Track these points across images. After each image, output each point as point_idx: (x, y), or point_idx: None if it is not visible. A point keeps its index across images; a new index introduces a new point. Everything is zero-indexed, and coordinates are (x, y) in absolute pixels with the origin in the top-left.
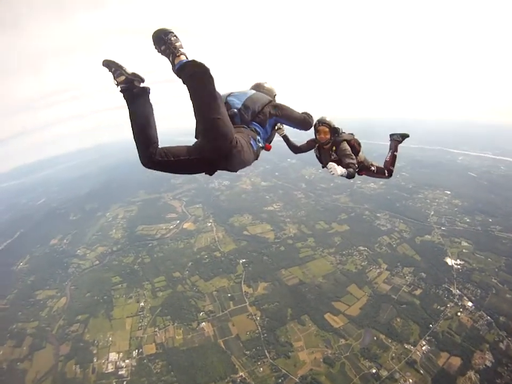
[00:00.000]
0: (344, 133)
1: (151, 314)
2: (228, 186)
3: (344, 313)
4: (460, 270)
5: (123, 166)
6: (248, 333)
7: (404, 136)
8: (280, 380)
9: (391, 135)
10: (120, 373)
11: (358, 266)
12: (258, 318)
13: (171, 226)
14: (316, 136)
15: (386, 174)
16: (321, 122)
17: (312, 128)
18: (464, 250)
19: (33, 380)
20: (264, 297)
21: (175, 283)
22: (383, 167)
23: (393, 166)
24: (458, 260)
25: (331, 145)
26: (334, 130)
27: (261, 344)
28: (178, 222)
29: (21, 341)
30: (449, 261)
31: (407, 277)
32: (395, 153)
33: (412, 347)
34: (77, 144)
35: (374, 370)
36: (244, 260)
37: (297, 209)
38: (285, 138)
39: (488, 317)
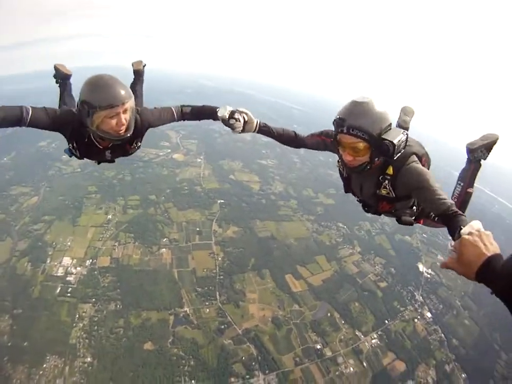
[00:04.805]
0: (405, 133)
1: (116, 228)
2: (228, 131)
3: (306, 279)
4: (429, 280)
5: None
6: (205, 270)
7: (491, 147)
8: (222, 326)
9: (471, 149)
10: (68, 278)
11: (332, 241)
12: (219, 258)
13: (161, 153)
14: (337, 149)
15: None
16: (347, 126)
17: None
18: (438, 263)
19: None
20: (232, 240)
21: (148, 205)
22: None
23: (465, 210)
24: (430, 270)
25: (383, 165)
26: (383, 147)
27: (215, 285)
28: (169, 151)
29: None
30: (421, 267)
31: (376, 266)
32: (470, 189)
33: (362, 336)
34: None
35: (318, 346)
36: (222, 201)
37: (289, 171)
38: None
39: (442, 335)
